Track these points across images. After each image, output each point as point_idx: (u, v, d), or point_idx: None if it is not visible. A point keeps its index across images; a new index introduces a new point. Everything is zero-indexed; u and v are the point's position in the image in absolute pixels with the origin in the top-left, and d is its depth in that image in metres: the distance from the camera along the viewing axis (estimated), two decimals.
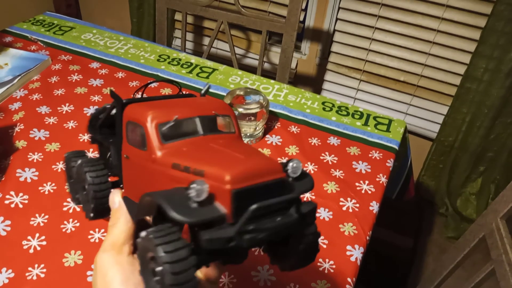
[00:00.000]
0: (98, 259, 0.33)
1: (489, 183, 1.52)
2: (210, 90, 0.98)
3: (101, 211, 0.37)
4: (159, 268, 0.25)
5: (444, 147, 1.56)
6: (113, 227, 0.34)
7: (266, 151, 0.82)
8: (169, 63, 1.08)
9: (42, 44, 1.10)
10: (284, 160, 0.30)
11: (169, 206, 0.25)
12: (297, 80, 1.81)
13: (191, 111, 0.33)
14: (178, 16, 1.85)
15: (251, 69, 1.17)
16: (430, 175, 1.66)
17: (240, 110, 0.78)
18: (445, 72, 1.49)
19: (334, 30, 1.60)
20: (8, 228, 0.63)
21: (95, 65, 1.04)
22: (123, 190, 0.37)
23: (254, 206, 0.26)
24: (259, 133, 0.83)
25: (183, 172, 0.28)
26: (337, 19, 1.58)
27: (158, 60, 1.08)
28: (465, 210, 1.59)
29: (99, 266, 0.33)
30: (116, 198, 0.36)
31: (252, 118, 0.79)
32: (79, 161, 0.38)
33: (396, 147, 0.86)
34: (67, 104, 0.89)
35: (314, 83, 1.79)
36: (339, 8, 1.55)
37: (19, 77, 0.94)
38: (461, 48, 1.42)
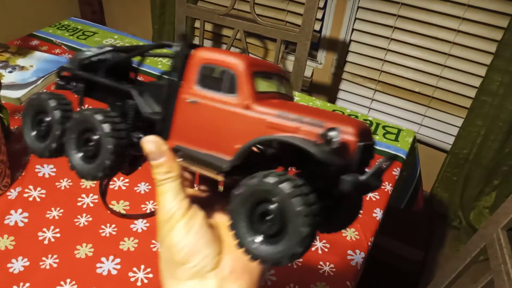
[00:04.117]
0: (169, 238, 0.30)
1: (503, 197, 1.49)
2: None
3: (117, 167, 0.33)
4: (297, 209, 0.25)
5: (458, 160, 1.55)
6: (171, 186, 0.31)
7: None
8: None
9: (65, 48, 1.15)
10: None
11: (313, 149, 0.25)
12: (313, 88, 1.83)
13: (270, 66, 0.34)
14: (198, 24, 1.89)
15: None
16: (444, 187, 1.65)
17: None
18: (460, 84, 1.49)
19: (350, 40, 1.62)
20: (26, 220, 0.66)
21: None
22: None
23: (384, 165, 0.28)
24: None
25: (293, 121, 0.28)
26: (353, 29, 1.60)
27: None
28: (478, 224, 1.58)
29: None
30: (163, 147, 0.32)
31: None
32: (84, 110, 0.34)
33: (404, 156, 0.87)
34: (86, 106, 0.93)
35: (329, 92, 1.80)
36: (355, 19, 1.57)
37: (43, 78, 0.99)
38: (477, 61, 1.42)
